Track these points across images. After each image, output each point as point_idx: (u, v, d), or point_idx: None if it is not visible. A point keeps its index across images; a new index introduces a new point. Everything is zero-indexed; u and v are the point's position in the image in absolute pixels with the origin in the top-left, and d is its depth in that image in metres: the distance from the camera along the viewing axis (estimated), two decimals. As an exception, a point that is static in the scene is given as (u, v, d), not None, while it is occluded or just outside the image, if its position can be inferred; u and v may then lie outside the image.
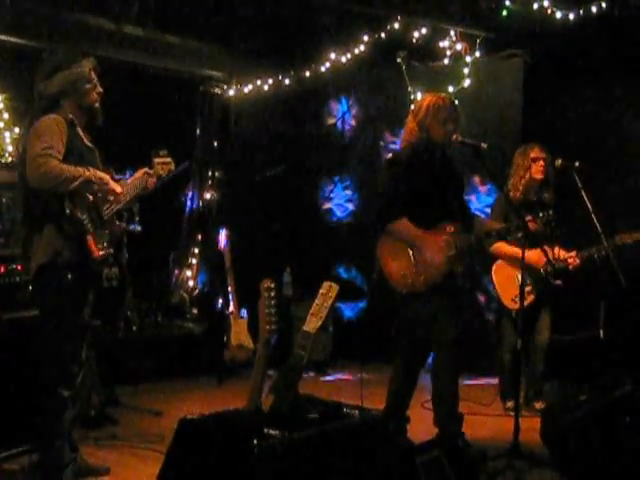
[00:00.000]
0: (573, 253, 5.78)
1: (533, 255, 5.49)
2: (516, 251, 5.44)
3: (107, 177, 4.14)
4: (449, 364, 4.67)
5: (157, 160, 4.55)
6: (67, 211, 3.93)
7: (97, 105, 4.22)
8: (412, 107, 4.93)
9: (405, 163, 4.72)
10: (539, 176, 5.88)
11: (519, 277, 5.70)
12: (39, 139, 3.91)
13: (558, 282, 5.82)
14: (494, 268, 5.98)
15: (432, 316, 4.67)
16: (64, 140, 3.98)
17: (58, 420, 4.05)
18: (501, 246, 5.78)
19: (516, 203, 5.77)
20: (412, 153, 4.74)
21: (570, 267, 5.77)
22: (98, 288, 4.27)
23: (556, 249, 5.82)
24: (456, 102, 4.92)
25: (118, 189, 4.21)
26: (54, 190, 3.89)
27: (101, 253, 4.06)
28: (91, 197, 4.05)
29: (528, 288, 5.74)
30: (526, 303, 5.72)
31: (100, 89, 4.22)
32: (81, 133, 4.15)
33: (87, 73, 4.15)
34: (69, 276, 3.97)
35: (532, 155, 5.89)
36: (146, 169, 4.45)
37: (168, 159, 4.62)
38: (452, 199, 4.82)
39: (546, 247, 5.75)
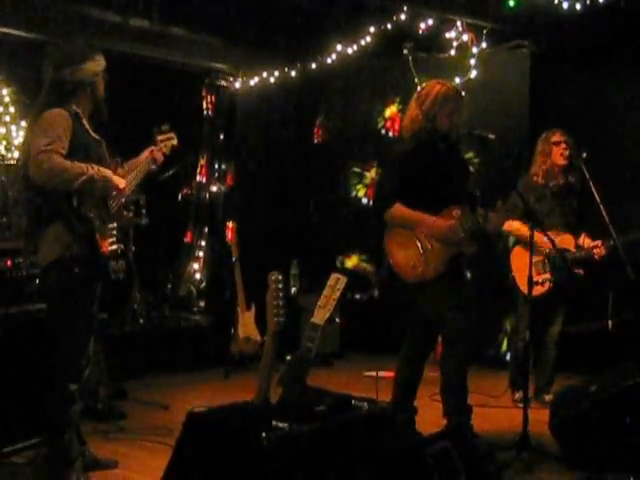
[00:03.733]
0: (599, 242, 5.69)
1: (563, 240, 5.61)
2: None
3: (110, 173, 4.08)
4: (458, 355, 4.65)
5: (160, 137, 4.56)
6: (76, 209, 3.91)
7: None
8: (417, 93, 4.84)
9: (412, 156, 4.71)
10: (561, 161, 5.82)
11: (539, 263, 5.72)
12: (43, 134, 3.87)
13: (580, 271, 5.74)
14: (513, 253, 5.91)
15: (441, 305, 4.66)
16: (69, 135, 3.94)
17: (65, 414, 4.05)
18: (514, 224, 5.66)
19: (540, 188, 5.78)
20: (417, 144, 4.74)
21: (596, 257, 5.72)
22: (105, 282, 4.25)
23: (582, 237, 5.80)
24: (462, 93, 4.90)
25: (121, 184, 4.16)
26: (58, 188, 3.86)
27: (111, 248, 4.05)
28: (97, 194, 4.02)
29: (545, 276, 5.72)
30: (542, 290, 5.72)
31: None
32: (87, 125, 4.12)
33: (104, 66, 4.17)
34: (77, 271, 3.95)
35: (553, 139, 5.84)
36: (152, 147, 4.49)
37: (170, 134, 4.62)
38: (458, 184, 4.81)
39: (568, 235, 5.75)
